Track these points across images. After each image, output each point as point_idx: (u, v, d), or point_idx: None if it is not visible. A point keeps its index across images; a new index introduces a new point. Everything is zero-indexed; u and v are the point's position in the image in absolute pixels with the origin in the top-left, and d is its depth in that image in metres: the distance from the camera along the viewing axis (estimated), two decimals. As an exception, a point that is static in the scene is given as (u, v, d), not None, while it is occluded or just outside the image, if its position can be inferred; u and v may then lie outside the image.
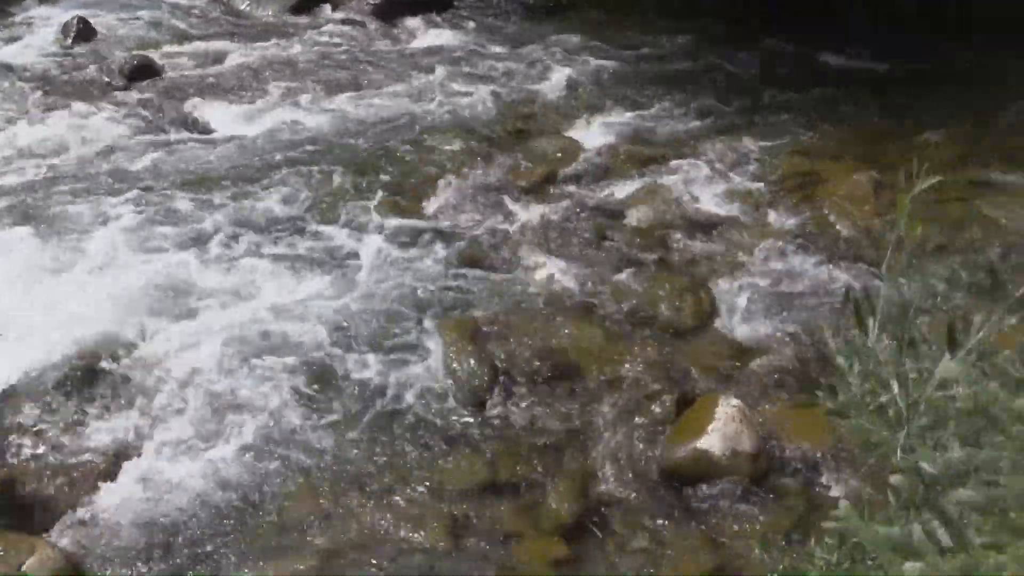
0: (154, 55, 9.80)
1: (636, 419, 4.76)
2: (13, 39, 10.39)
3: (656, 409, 4.78)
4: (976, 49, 9.71)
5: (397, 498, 4.37)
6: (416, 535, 4.20)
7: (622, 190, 6.96)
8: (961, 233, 6.51)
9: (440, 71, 9.38)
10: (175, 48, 10.21)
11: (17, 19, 11.29)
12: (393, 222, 6.36)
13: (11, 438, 4.59)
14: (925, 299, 1.69)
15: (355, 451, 4.60)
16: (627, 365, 5.14)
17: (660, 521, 4.24)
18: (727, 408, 4.56)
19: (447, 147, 7.58)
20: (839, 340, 1.78)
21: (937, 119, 8.43)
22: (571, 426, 4.76)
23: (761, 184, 7.07)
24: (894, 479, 1.59)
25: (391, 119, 8.23)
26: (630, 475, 4.48)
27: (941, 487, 1.53)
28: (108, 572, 3.97)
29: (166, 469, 4.43)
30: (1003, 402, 1.28)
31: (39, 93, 8.71)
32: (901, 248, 1.63)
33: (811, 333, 5.36)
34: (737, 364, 5.16)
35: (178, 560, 4.05)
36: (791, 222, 6.54)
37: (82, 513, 4.26)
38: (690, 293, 5.73)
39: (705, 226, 6.48)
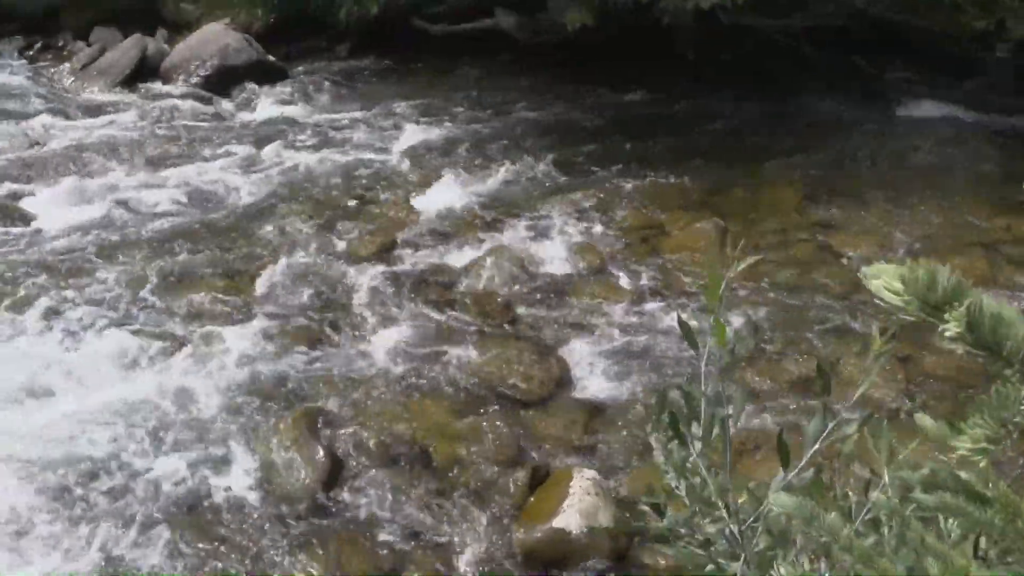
0: (-32, 141, 9.25)
1: (489, 501, 4.52)
2: None
3: (509, 488, 4.56)
4: (812, 98, 9.98)
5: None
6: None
7: (465, 255, 6.78)
8: (809, 276, 6.55)
9: (275, 142, 9.09)
10: (-9, 131, 9.66)
11: None
12: (222, 306, 6.03)
13: None
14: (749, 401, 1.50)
15: (190, 551, 4.24)
16: (476, 442, 4.90)
17: (519, 611, 4.00)
18: (582, 481, 4.36)
19: (281, 221, 7.31)
20: (666, 447, 1.58)
21: (780, 164, 8.55)
22: (421, 513, 4.49)
23: (606, 240, 6.99)
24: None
25: (222, 195, 7.90)
26: (486, 562, 4.22)
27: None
28: None
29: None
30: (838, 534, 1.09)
31: None
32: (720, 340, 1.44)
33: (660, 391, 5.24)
34: (591, 431, 4.98)
35: None
36: (637, 277, 6.45)
37: None
38: (538, 360, 5.55)
39: (551, 288, 6.33)
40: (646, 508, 1.57)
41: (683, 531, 1.44)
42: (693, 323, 1.65)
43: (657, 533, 1.45)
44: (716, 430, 1.41)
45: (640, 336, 5.83)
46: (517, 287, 6.30)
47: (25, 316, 5.97)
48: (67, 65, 12.44)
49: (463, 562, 4.22)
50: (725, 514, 1.32)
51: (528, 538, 4.25)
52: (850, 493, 1.42)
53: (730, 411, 1.40)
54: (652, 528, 1.46)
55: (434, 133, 9.29)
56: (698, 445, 1.42)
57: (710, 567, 1.36)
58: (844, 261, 6.78)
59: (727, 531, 1.34)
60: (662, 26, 9.67)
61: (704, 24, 9.63)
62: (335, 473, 4.65)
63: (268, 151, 8.81)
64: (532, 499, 4.45)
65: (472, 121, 9.84)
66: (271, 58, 11.87)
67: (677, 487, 1.45)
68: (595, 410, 5.17)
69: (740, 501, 1.34)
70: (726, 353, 1.40)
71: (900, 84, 10.37)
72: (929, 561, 1.09)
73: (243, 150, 8.89)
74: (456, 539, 4.33)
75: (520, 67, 11.37)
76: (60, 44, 13.54)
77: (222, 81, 11.27)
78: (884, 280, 0.80)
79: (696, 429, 1.44)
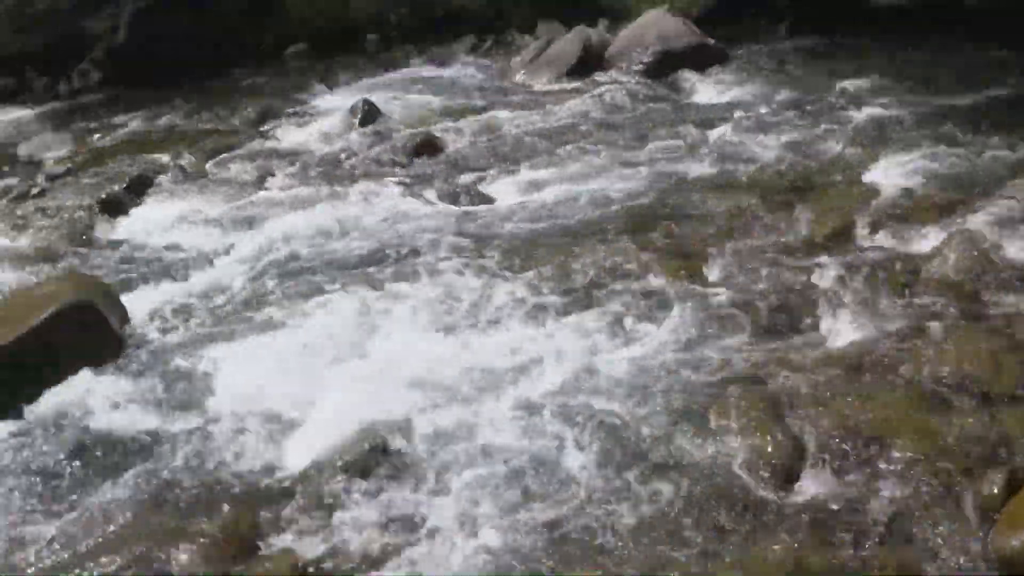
0: (435, 131, 10.08)
1: (957, 502, 4.25)
2: (307, 124, 11.05)
3: (981, 491, 4.26)
4: None
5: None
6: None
7: (925, 240, 6.45)
8: None
9: (717, 125, 9.16)
10: (454, 123, 10.47)
11: (311, 106, 12.00)
12: (677, 288, 6.13)
13: (305, 523, 4.62)
14: None
15: (650, 532, 4.32)
16: (942, 437, 4.62)
17: (993, 623, 3.75)
18: (1068, 488, 4.01)
19: (729, 204, 7.32)
20: None
21: None
22: (883, 508, 4.30)
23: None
24: None
25: (669, 178, 8.05)
26: (955, 567, 3.99)
27: None
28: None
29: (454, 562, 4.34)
30: None
31: (332, 174, 9.13)
32: None
33: None
34: (1073, 437, 4.56)
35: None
36: None
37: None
38: (1009, 353, 5.14)
39: (1020, 277, 5.86)
40: None
41: None
42: None
43: None
44: None
45: None
46: (983, 275, 5.89)
47: (490, 295, 6.39)
48: (516, 59, 13.25)
49: (931, 564, 4.02)
50: None
51: (1006, 544, 3.96)
52: None
53: None
54: None
55: (881, 112, 8.96)
56: None
57: None
58: None
59: None
60: None
61: None
62: (796, 458, 4.58)
63: (713, 134, 8.89)
64: (1010, 504, 4.15)
65: (922, 97, 9.40)
66: (711, 41, 11.95)
67: None
68: (1079, 413, 4.73)
69: None
70: None
71: None
72: None
73: (688, 133, 9.05)
74: (923, 540, 4.12)
75: (976, 36, 10.64)
76: (508, 40, 14.43)
77: (664, 66, 11.52)
78: None
79: None
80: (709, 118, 9.43)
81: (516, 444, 4.93)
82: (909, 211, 6.87)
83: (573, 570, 4.17)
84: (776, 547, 4.16)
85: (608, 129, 9.55)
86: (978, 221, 6.54)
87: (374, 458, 4.93)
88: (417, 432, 5.10)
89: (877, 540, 4.14)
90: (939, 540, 4.11)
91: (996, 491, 4.23)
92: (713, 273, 6.36)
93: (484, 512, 4.51)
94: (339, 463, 4.92)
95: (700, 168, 8.16)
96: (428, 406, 5.30)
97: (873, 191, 7.26)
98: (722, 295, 6.04)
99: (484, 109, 10.97)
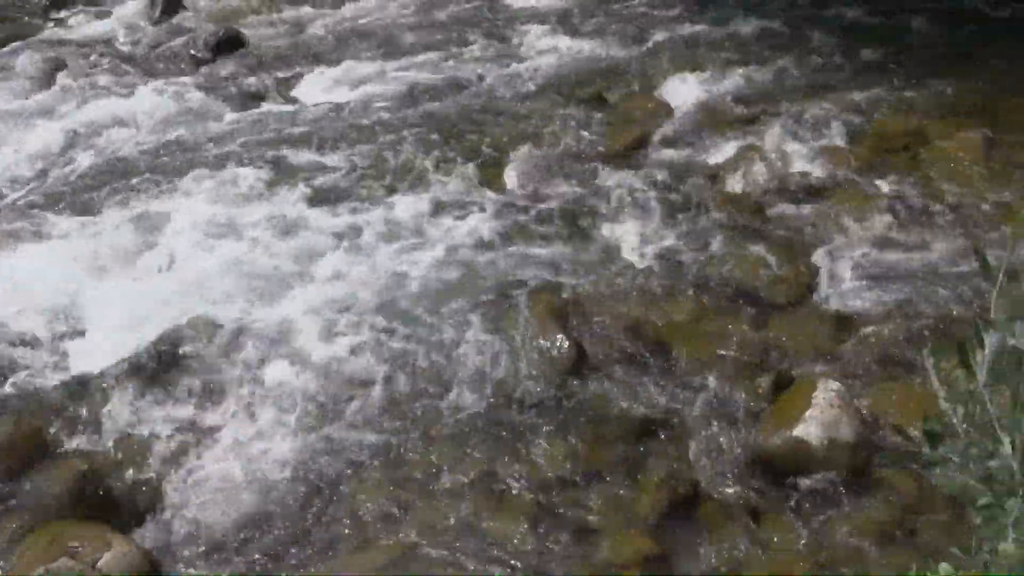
0: (240, 26, 9.72)
1: (729, 403, 4.53)
2: (101, 15, 10.40)
3: (750, 392, 4.55)
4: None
5: (477, 487, 4.22)
6: (495, 526, 4.05)
7: (715, 154, 6.66)
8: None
9: (529, 33, 9.09)
10: (260, 18, 10.13)
11: (109, -7, 11.33)
12: (474, 192, 6.19)
13: (92, 429, 4.57)
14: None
15: (434, 434, 4.48)
16: (720, 343, 4.90)
17: (754, 516, 4.02)
18: (825, 392, 4.30)
19: (533, 111, 7.37)
20: (944, 373, 1.55)
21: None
22: (660, 409, 4.56)
23: (863, 146, 6.68)
24: (1004, 547, 1.36)
25: (475, 83, 8.01)
26: (722, 465, 4.26)
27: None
28: (181, 571, 3.91)
29: (243, 461, 4.37)
30: None
31: (124, 68, 8.72)
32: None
33: (915, 309, 5.06)
34: (837, 342, 4.88)
35: (255, 556, 3.97)
36: (895, 187, 6.15)
37: (160, 506, 4.22)
38: (787, 265, 5.45)
39: (804, 192, 6.14)
40: (915, 432, 1.54)
41: (956, 460, 1.41)
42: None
43: (931, 459, 1.43)
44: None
45: (894, 249, 5.60)
46: (770, 189, 6.14)
47: (277, 197, 6.34)
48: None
49: (701, 461, 4.27)
50: (1008, 449, 1.29)
51: (766, 444, 4.24)
52: None
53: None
54: (927, 452, 1.44)
55: (687, 31, 9.02)
56: (984, 375, 1.39)
57: (984, 499, 1.34)
58: None
59: (1006, 466, 1.31)
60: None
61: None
62: (579, 362, 4.76)
63: (520, 41, 8.82)
64: (773, 405, 4.43)
65: (724, 20, 9.51)
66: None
67: (954, 415, 1.42)
68: (843, 321, 5.04)
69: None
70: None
71: None
72: None
73: (494, 39, 8.94)
74: (693, 439, 4.38)
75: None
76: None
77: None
78: None
79: (981, 357, 1.40)
80: (519, 24, 9.20)
81: (310, 350, 4.95)
82: (704, 125, 7.04)
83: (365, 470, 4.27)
84: (553, 446, 4.36)
85: (418, 30, 9.34)
86: (765, 139, 6.77)
87: (159, 362, 4.87)
88: (202, 336, 5.05)
89: (651, 436, 4.38)
90: (710, 437, 4.37)
91: (763, 393, 4.52)
92: (510, 180, 6.42)
93: (271, 421, 4.55)
94: (124, 367, 4.84)
95: (504, 73, 8.10)
96: (219, 308, 5.26)
97: (669, 105, 7.38)
98: (517, 201, 6.14)
99: (293, 4, 10.59)
